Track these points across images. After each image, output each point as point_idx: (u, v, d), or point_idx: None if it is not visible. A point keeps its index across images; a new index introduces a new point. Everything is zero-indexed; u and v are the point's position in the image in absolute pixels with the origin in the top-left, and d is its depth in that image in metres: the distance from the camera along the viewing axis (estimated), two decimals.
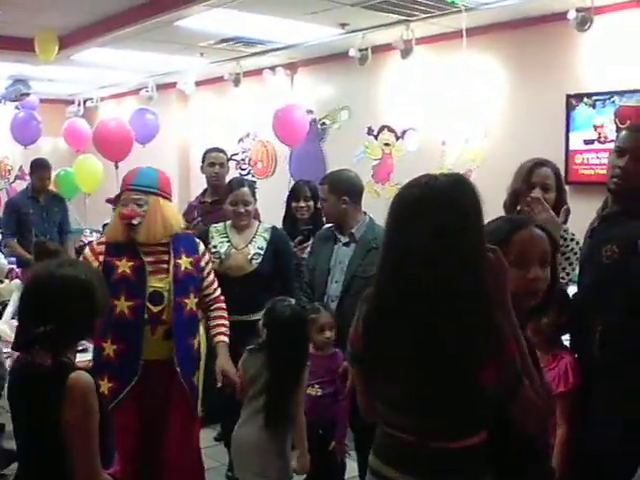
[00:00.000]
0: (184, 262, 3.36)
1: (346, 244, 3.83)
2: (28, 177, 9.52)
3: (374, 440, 2.04)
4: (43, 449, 2.13)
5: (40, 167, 6.83)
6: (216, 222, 4.57)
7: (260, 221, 4.55)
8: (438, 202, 1.83)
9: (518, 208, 3.20)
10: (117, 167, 6.47)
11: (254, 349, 3.35)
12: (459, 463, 1.86)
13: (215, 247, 4.30)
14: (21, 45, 7.14)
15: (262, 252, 4.26)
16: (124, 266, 3.27)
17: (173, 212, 3.41)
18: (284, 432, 3.26)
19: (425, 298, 1.81)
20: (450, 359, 1.79)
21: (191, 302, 3.38)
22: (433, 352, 1.81)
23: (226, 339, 3.56)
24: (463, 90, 6.39)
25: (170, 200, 3.42)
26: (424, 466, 1.88)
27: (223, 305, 3.62)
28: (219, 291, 3.61)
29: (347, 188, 3.87)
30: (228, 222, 4.41)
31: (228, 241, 4.33)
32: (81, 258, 3.49)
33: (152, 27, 6.24)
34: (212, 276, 3.58)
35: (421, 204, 1.85)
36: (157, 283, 3.29)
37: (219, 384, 3.53)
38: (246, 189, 4.35)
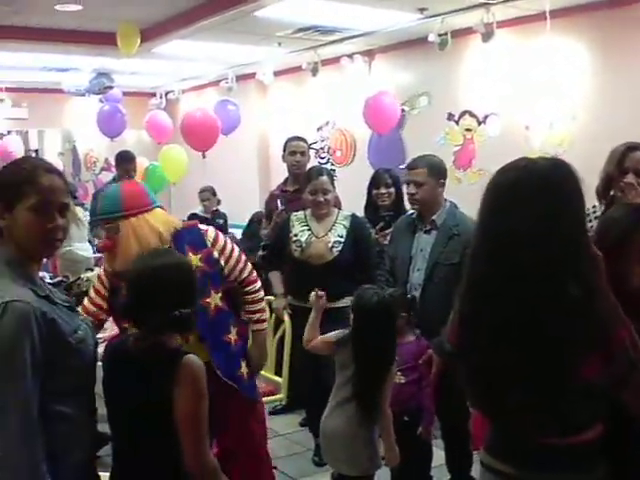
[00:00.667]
0: (193, 261, 3.04)
1: (427, 231, 3.81)
2: (114, 169, 9.82)
3: (487, 435, 2.03)
4: (155, 432, 2.17)
5: (126, 159, 7.00)
6: (299, 211, 4.61)
7: (340, 209, 4.55)
8: (539, 185, 1.83)
9: (611, 193, 3.13)
10: (204, 157, 6.55)
11: (342, 339, 3.36)
12: (571, 458, 1.85)
13: (296, 235, 4.36)
14: (103, 39, 7.29)
15: (342, 240, 4.29)
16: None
17: (153, 225, 3.06)
18: (371, 420, 3.26)
19: (526, 280, 1.80)
20: (552, 341, 1.79)
21: (214, 299, 3.17)
22: (535, 334, 1.80)
23: (262, 326, 3.41)
24: (547, 73, 6.24)
25: (147, 211, 3.08)
26: (537, 462, 1.87)
27: (255, 286, 3.38)
28: (248, 271, 3.36)
29: (443, 172, 3.88)
30: (308, 210, 4.45)
31: (309, 229, 4.37)
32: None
33: (231, 18, 6.29)
34: (234, 260, 3.29)
35: (521, 187, 1.85)
36: None
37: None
38: (325, 178, 4.39)
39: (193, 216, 7.63)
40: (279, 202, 5.24)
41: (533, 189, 1.83)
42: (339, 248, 4.28)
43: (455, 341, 2.02)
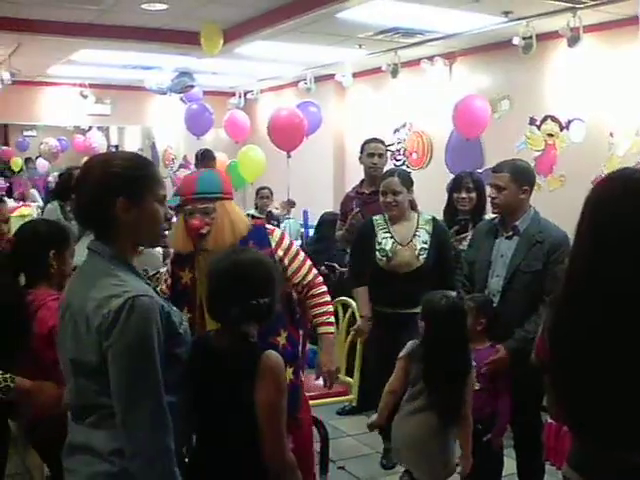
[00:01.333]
0: None
1: (509, 237, 3.73)
2: (192, 166, 9.98)
3: (572, 450, 1.99)
4: (237, 427, 2.19)
5: (207, 157, 7.11)
6: (373, 213, 4.58)
7: (419, 212, 4.47)
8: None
9: None
10: (289, 157, 6.58)
11: (413, 351, 3.33)
12: None
13: (380, 244, 4.28)
14: (187, 38, 7.42)
15: (427, 246, 4.23)
16: (186, 277, 3.17)
17: (240, 214, 3.17)
18: (449, 426, 3.23)
19: (627, 298, 1.76)
20: None
21: None
22: (634, 351, 1.75)
23: (329, 329, 3.33)
24: (635, 80, 6.06)
25: (232, 200, 3.18)
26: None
27: (321, 289, 3.33)
28: (313, 274, 3.31)
29: (528, 178, 3.78)
30: (388, 214, 4.39)
31: (391, 236, 4.29)
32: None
33: (314, 19, 6.33)
34: (298, 262, 3.25)
35: (622, 203, 1.80)
36: None
37: (321, 381, 3.48)
38: (395, 178, 4.31)
39: (250, 216, 7.74)
40: (354, 204, 5.23)
41: (635, 205, 1.79)
42: (425, 255, 4.22)
43: (545, 356, 1.96)
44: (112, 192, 1.96)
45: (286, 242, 3.24)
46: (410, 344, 3.37)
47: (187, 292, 3.14)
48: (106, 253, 1.97)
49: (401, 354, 3.37)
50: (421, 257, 4.21)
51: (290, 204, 9.86)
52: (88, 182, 1.99)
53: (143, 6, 6.48)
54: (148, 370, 1.86)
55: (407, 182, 4.35)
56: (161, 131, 14.02)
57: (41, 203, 9.63)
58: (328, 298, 3.37)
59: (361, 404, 5.05)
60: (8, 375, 2.55)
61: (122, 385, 1.85)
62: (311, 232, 7.85)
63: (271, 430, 2.16)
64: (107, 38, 7.34)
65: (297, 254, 3.26)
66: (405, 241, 4.25)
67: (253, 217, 7.69)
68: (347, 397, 4.63)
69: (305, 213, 8.50)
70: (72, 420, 2.04)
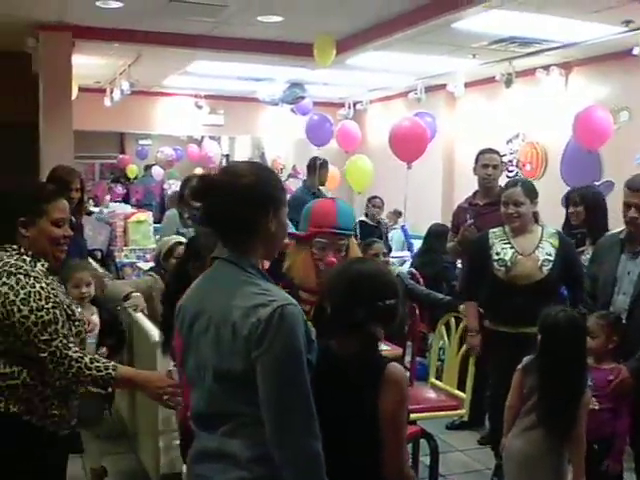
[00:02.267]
0: None
1: (635, 254, 3.58)
2: (300, 175, 10.10)
3: None
4: (357, 436, 2.18)
5: (323, 167, 7.19)
6: (487, 225, 4.47)
7: (543, 225, 4.29)
8: None
9: None
10: (410, 167, 6.55)
11: (529, 364, 3.25)
12: None
13: (498, 254, 4.13)
14: (300, 50, 7.54)
15: (551, 258, 4.04)
16: None
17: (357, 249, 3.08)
18: (561, 446, 3.13)
19: None
20: None
21: None
22: None
23: None
24: None
25: None
26: None
27: None
28: None
29: None
30: (507, 226, 4.23)
31: (512, 247, 4.13)
32: None
33: (428, 30, 6.31)
34: None
35: None
36: None
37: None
38: (518, 189, 4.14)
39: (361, 222, 7.73)
40: (468, 216, 5.14)
41: None
42: (549, 267, 4.03)
43: None
44: (267, 203, 1.98)
45: None
46: (526, 358, 3.29)
47: None
48: (244, 263, 1.97)
49: (518, 367, 3.31)
50: (544, 268, 4.02)
51: (397, 214, 9.84)
52: (238, 192, 1.97)
53: (259, 18, 6.62)
54: (299, 378, 1.86)
55: (531, 193, 4.17)
56: (270, 141, 14.26)
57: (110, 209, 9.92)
58: None
59: (472, 419, 4.97)
60: (111, 363, 2.55)
61: (274, 394, 1.85)
62: (416, 242, 7.79)
63: (392, 442, 2.15)
64: (223, 50, 7.54)
65: None
66: (527, 252, 4.08)
67: (365, 224, 7.75)
68: (458, 412, 4.55)
69: (403, 227, 8.47)
70: (199, 428, 2.04)
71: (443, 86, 8.81)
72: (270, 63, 8.28)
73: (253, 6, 6.22)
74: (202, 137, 13.25)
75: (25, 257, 2.51)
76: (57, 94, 7.00)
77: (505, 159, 8.52)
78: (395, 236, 9.06)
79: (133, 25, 6.99)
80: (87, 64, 8.26)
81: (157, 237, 6.75)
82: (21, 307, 2.40)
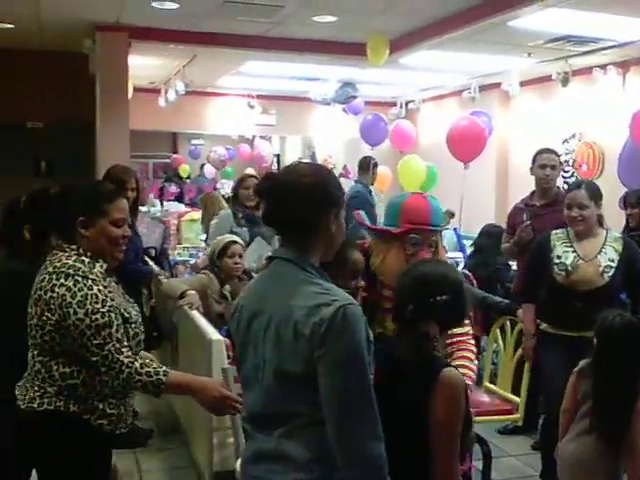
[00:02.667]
0: None
1: None
2: (351, 175, 10.09)
3: None
4: (411, 438, 2.17)
5: (376, 166, 7.25)
6: (544, 226, 4.41)
7: (607, 228, 4.18)
8: None
9: None
10: (467, 167, 6.50)
11: (584, 369, 3.20)
12: None
13: (559, 257, 4.03)
14: (353, 50, 7.53)
15: (614, 265, 3.93)
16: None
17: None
18: (615, 452, 3.06)
19: None
20: None
21: None
22: None
23: None
24: None
25: None
26: None
27: None
28: None
29: None
30: (570, 228, 4.12)
31: (573, 251, 4.03)
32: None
33: (484, 28, 6.25)
34: None
35: None
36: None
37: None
38: (582, 191, 4.01)
39: None
40: (524, 216, 5.07)
41: None
42: (610, 273, 3.91)
43: None
44: (329, 204, 1.99)
45: None
46: (582, 362, 3.24)
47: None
48: (304, 262, 1.97)
49: (573, 371, 3.25)
50: (605, 275, 3.92)
51: (449, 214, 9.74)
52: (301, 191, 1.97)
53: (314, 18, 6.63)
54: (362, 378, 1.85)
55: (595, 195, 4.05)
56: (321, 141, 14.28)
57: (159, 208, 9.99)
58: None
59: (526, 424, 4.90)
60: (162, 368, 2.50)
61: (336, 394, 1.83)
62: (468, 242, 7.71)
63: (442, 449, 2.13)
64: (277, 50, 7.58)
65: None
66: (589, 257, 3.98)
67: None
68: (512, 416, 4.49)
69: (455, 229, 8.38)
70: (254, 428, 2.03)
71: (497, 85, 8.71)
72: (323, 63, 8.29)
73: (308, 6, 6.23)
74: (253, 137, 13.33)
75: (84, 258, 2.52)
76: (114, 94, 7.11)
77: (561, 159, 8.39)
78: (447, 237, 8.98)
79: (188, 26, 7.06)
80: (142, 65, 8.37)
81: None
82: (77, 310, 2.41)
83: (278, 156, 15.89)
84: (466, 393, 2.19)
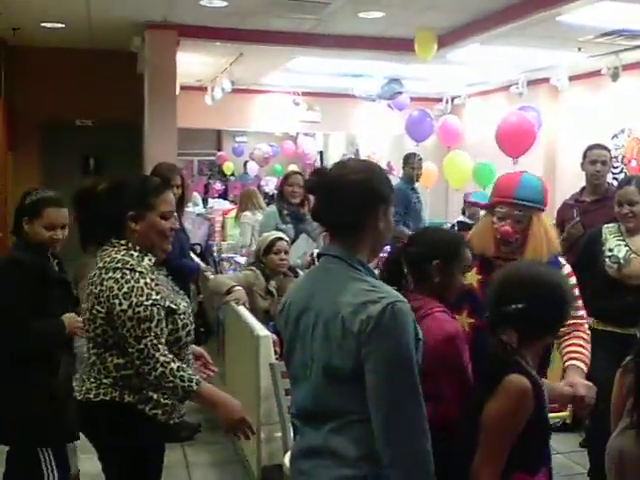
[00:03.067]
0: None
1: None
2: (394, 172, 10.05)
3: None
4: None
5: (421, 161, 7.17)
6: (594, 223, 4.35)
7: None
8: None
9: None
10: (516, 163, 6.42)
11: (629, 363, 3.14)
12: None
13: (611, 250, 4.01)
14: (400, 45, 7.48)
15: None
16: (472, 278, 2.89)
17: (553, 231, 2.99)
18: None
19: None
20: None
21: None
22: None
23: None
24: None
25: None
26: None
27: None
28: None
29: None
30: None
31: (626, 245, 4.00)
32: None
33: (533, 23, 6.16)
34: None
35: None
36: None
37: None
38: (632, 187, 3.97)
39: (460, 223, 7.61)
40: (574, 212, 5.00)
41: None
42: None
43: None
44: (378, 201, 1.98)
45: (571, 281, 3.00)
46: (628, 357, 3.18)
47: (471, 294, 2.88)
48: (352, 259, 1.96)
49: (621, 365, 3.20)
50: None
51: None
52: (350, 188, 1.97)
53: (360, 15, 6.61)
54: (410, 376, 1.84)
55: None
56: (365, 137, 14.24)
57: (201, 207, 10.05)
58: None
59: (575, 421, 4.84)
60: (195, 377, 2.54)
61: (384, 391, 1.83)
62: None
63: (486, 447, 2.11)
64: (324, 47, 7.55)
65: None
66: (639, 250, 3.94)
67: (463, 224, 7.63)
68: (561, 414, 4.43)
69: None
70: (303, 424, 2.04)
71: (546, 80, 8.60)
72: (370, 59, 8.26)
73: (355, 3, 6.22)
74: (297, 134, 13.36)
75: (132, 252, 2.57)
76: (162, 93, 7.17)
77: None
78: None
79: (236, 24, 7.09)
80: (189, 63, 8.44)
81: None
82: (122, 301, 2.47)
83: (321, 153, 15.89)
84: (538, 403, 2.15)
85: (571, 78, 8.37)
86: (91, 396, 2.58)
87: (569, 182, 5.41)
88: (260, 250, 4.79)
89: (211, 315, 5.44)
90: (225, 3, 6.31)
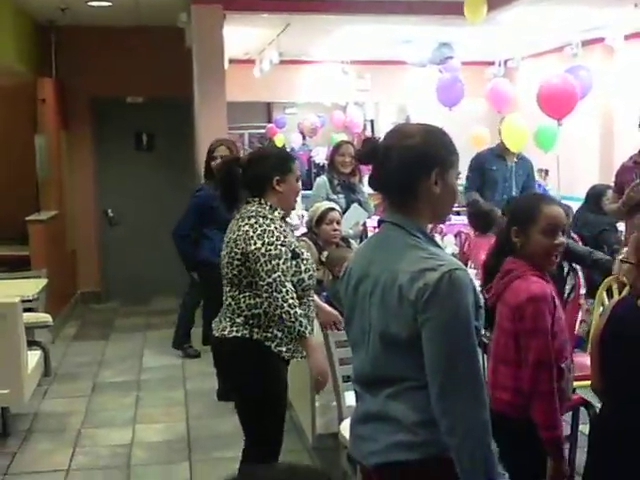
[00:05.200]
0: None
1: None
2: None
3: None
4: None
5: None
6: None
7: None
8: None
9: None
10: (560, 124, 6.30)
11: None
12: None
13: None
14: (450, 8, 7.29)
15: None
16: None
17: None
18: None
19: None
20: None
21: None
22: None
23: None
24: None
25: None
26: None
27: None
28: None
29: None
30: None
31: None
32: None
33: None
34: None
35: None
36: None
37: None
38: None
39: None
40: (634, 175, 4.89)
41: None
42: None
43: None
44: (430, 165, 1.93)
45: None
46: None
47: None
48: (410, 226, 1.94)
49: None
50: None
51: (544, 172, 9.46)
52: (399, 153, 1.93)
53: None
54: (467, 344, 1.82)
55: None
56: (417, 105, 14.05)
57: None
58: None
59: None
60: (310, 327, 3.04)
61: (441, 359, 1.82)
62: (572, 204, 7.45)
63: None
64: (371, 13, 7.44)
65: None
66: None
67: None
68: None
69: (540, 185, 8.08)
70: (362, 389, 2.05)
71: (601, 40, 8.35)
72: (419, 24, 8.12)
73: None
74: (347, 103, 13.24)
75: (265, 205, 3.08)
76: (210, 67, 7.16)
77: None
78: None
79: None
80: (236, 36, 8.41)
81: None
82: (256, 240, 2.98)
83: (372, 122, 15.74)
84: None
85: (626, 37, 8.11)
86: (225, 333, 3.08)
87: (629, 144, 5.24)
88: (312, 221, 4.79)
89: None
90: None
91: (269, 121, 15.82)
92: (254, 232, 3.00)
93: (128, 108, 8.74)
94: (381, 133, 2.18)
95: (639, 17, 7.52)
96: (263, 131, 15.48)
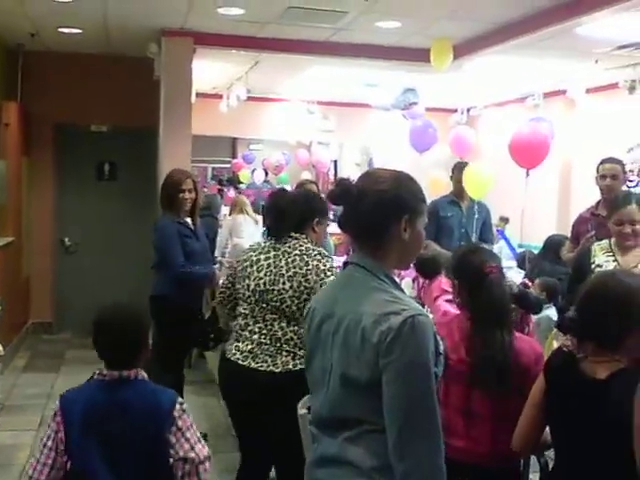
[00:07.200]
0: None
1: None
2: None
3: None
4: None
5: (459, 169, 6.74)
6: (609, 237, 4.31)
7: None
8: None
9: None
10: (528, 175, 6.42)
11: None
12: None
13: (600, 266, 3.98)
14: (416, 55, 7.44)
15: None
16: None
17: None
18: None
19: None
20: None
21: None
22: None
23: None
24: None
25: None
26: None
27: None
28: None
29: None
30: (613, 239, 4.07)
31: (614, 260, 3.97)
32: None
33: (550, 35, 6.13)
34: None
35: None
36: None
37: None
38: (633, 207, 3.93)
39: None
40: (589, 226, 4.97)
41: None
42: None
43: None
44: (401, 211, 1.95)
45: None
46: None
47: None
48: (376, 269, 1.95)
49: None
50: None
51: (504, 221, 9.60)
52: (371, 198, 1.95)
53: (377, 24, 6.60)
54: (427, 390, 1.82)
55: None
56: (379, 147, 14.20)
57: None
58: None
59: None
60: None
61: (400, 404, 1.81)
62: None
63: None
64: (340, 56, 7.53)
65: None
66: (629, 267, 3.86)
67: None
68: None
69: (500, 231, 8.19)
70: (319, 431, 2.03)
71: (563, 92, 8.56)
72: (386, 69, 8.24)
73: (372, 12, 6.20)
74: (311, 142, 13.32)
75: (310, 244, 3.41)
76: (177, 99, 7.17)
77: (626, 168, 8.19)
78: (502, 246, 8.85)
79: (252, 32, 7.08)
80: (205, 70, 8.45)
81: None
82: (328, 273, 3.29)
83: (335, 162, 15.85)
84: None
85: (588, 90, 8.33)
86: (290, 366, 3.25)
87: (585, 195, 5.36)
88: None
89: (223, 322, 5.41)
90: (242, 11, 6.31)
91: (233, 156, 15.85)
92: (325, 266, 3.32)
93: (92, 136, 8.68)
94: (344, 174, 2.19)
95: (600, 72, 7.74)
96: (228, 165, 15.49)
